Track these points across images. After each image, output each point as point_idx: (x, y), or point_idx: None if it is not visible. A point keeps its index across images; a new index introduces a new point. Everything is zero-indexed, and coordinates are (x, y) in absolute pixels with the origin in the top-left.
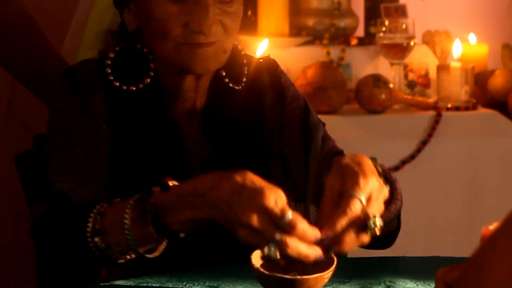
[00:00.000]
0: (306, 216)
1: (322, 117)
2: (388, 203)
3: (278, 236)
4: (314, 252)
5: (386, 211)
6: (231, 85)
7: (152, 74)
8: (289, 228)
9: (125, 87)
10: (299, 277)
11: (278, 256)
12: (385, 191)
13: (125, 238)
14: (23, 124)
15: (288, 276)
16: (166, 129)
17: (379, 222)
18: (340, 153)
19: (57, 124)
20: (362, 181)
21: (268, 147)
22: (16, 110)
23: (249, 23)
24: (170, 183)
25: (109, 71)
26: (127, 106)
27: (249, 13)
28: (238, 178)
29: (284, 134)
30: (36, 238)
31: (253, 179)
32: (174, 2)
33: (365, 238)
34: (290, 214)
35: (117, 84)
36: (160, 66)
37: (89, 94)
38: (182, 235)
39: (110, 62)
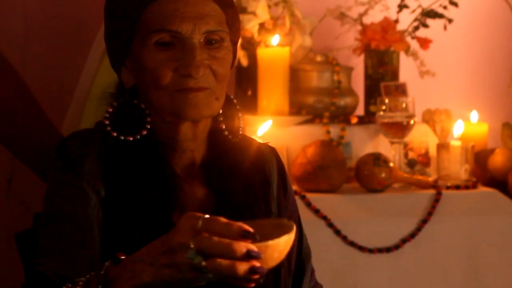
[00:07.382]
0: None
1: (322, 196)
2: None
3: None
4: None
5: None
6: (230, 137)
7: (149, 126)
8: (207, 228)
9: (122, 137)
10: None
11: (203, 263)
12: None
13: None
14: (23, 203)
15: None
16: (167, 179)
17: None
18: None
19: (48, 198)
20: None
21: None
22: (16, 188)
23: (250, 103)
24: (122, 257)
25: (107, 122)
26: (124, 162)
27: (249, 93)
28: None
29: None
30: None
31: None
32: (162, 50)
33: None
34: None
35: (115, 134)
36: (156, 118)
37: (79, 160)
38: None
39: (108, 115)
